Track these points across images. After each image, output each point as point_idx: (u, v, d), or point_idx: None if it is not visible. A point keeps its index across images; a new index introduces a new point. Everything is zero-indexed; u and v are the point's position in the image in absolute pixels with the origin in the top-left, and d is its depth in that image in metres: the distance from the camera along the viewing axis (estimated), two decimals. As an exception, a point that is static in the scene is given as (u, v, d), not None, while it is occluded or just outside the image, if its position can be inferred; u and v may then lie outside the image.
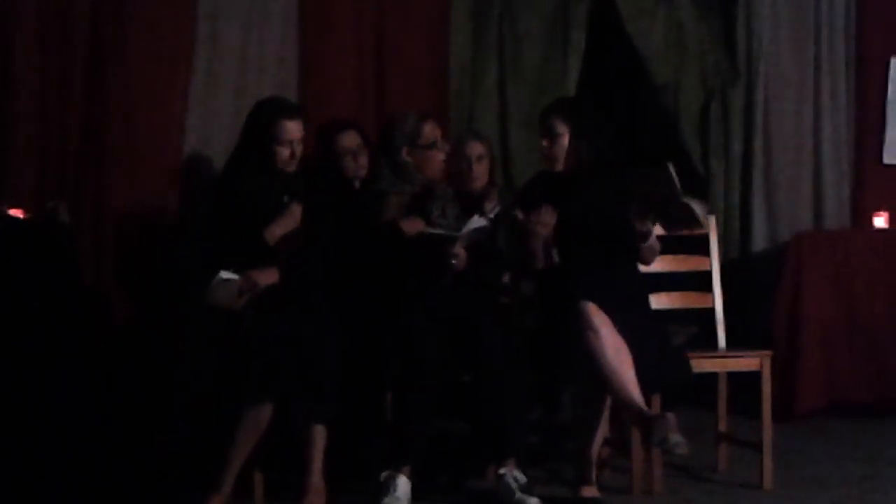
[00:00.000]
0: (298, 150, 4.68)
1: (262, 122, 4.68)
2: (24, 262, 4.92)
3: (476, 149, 5.07)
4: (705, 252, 5.12)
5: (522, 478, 4.52)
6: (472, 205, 4.95)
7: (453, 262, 4.72)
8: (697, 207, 4.59)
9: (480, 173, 5.10)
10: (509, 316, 4.89)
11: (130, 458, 5.01)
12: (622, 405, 4.40)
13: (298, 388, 4.42)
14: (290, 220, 4.65)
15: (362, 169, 5.17)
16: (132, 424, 5.11)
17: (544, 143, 4.72)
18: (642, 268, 4.79)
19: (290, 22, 5.85)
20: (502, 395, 4.53)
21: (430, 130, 5.05)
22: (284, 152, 4.66)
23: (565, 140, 4.68)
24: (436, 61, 6.19)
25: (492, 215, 4.91)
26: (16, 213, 5.10)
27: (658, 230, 4.70)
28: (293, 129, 4.66)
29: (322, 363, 4.44)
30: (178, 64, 5.54)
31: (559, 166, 4.72)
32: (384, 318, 4.75)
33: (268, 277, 4.60)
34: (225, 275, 4.56)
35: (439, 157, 5.05)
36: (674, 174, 4.43)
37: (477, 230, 4.72)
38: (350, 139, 5.19)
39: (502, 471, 4.53)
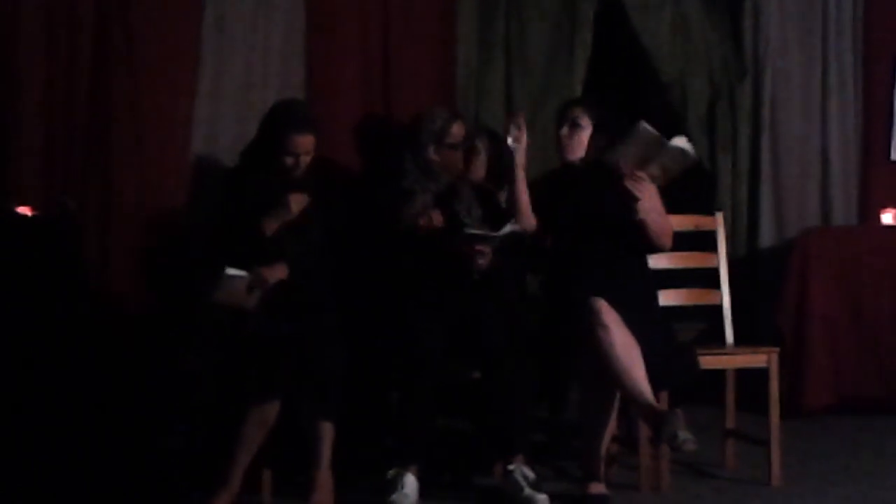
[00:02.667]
0: (304, 160, 4.71)
1: (274, 130, 4.71)
2: (31, 259, 4.93)
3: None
4: (713, 248, 5.12)
5: (531, 474, 4.52)
6: (486, 197, 4.95)
7: (481, 261, 4.72)
8: (682, 144, 4.55)
9: (477, 166, 5.11)
10: (515, 312, 4.88)
11: (137, 453, 5.02)
12: (632, 401, 4.39)
13: (305, 384, 4.43)
14: (282, 210, 4.64)
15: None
16: (139, 420, 5.11)
17: (564, 131, 4.72)
18: (654, 260, 4.79)
19: (296, 19, 5.84)
20: (510, 391, 4.53)
21: (457, 130, 4.98)
22: (289, 161, 4.69)
23: (586, 134, 4.69)
24: (442, 59, 6.18)
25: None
26: (24, 210, 5.11)
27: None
28: (302, 143, 4.69)
29: (328, 359, 4.44)
30: (184, 61, 5.54)
31: (573, 156, 4.70)
32: (390, 315, 4.75)
33: (277, 273, 4.61)
34: (231, 271, 4.56)
35: (461, 156, 4.99)
36: (647, 128, 4.40)
37: (513, 233, 4.70)
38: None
39: (511, 467, 4.53)
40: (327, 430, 4.45)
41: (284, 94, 5.53)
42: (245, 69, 5.69)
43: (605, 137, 4.69)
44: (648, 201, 4.60)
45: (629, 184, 4.54)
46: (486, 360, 4.57)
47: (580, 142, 4.70)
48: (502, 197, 5.00)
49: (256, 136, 4.83)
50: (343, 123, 5.69)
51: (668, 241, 4.73)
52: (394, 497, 4.45)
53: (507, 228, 4.69)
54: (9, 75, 5.32)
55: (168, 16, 5.49)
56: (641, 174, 4.53)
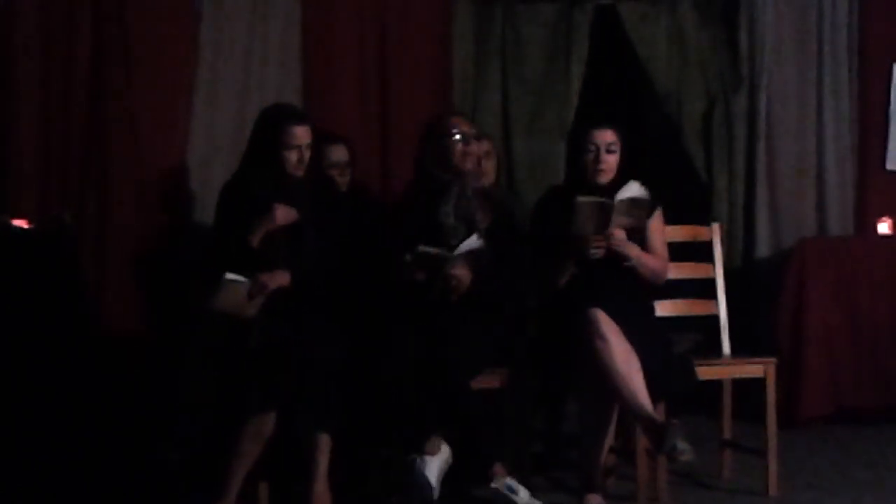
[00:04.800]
0: (307, 154, 4.65)
1: (270, 128, 4.65)
2: (28, 271, 4.93)
3: (484, 146, 5.11)
4: (709, 259, 5.12)
5: (516, 484, 4.50)
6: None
7: (453, 283, 4.68)
8: (634, 191, 4.57)
9: (488, 169, 5.13)
10: (493, 326, 4.83)
11: (133, 466, 5.01)
12: (631, 412, 4.39)
13: (302, 396, 4.41)
14: (267, 220, 4.58)
15: (345, 186, 5.17)
16: (134, 433, 5.11)
17: (603, 156, 4.65)
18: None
19: (292, 24, 5.86)
20: (471, 405, 4.52)
21: (458, 123, 4.88)
22: (293, 157, 4.62)
23: (617, 156, 4.69)
24: (439, 66, 6.19)
25: (483, 226, 4.83)
26: (20, 223, 5.10)
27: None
28: (301, 133, 4.63)
29: (325, 371, 4.42)
30: (180, 68, 5.55)
31: (605, 180, 4.66)
32: (381, 327, 4.74)
33: (278, 280, 4.58)
34: (230, 276, 4.51)
35: (458, 147, 4.85)
36: (585, 201, 4.46)
37: (472, 252, 4.65)
38: (338, 153, 5.20)
39: (494, 484, 4.51)
40: (324, 442, 4.44)
41: (282, 97, 5.53)
42: (242, 73, 5.70)
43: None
44: (634, 251, 4.63)
45: (615, 247, 4.57)
46: (450, 379, 4.54)
47: (615, 164, 4.70)
48: (486, 216, 4.93)
49: (250, 143, 4.74)
50: (340, 127, 5.70)
51: (662, 279, 4.78)
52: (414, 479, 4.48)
53: (464, 248, 4.64)
54: (5, 89, 5.32)
55: (165, 24, 5.50)
56: (613, 233, 4.55)
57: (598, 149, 4.67)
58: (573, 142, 4.79)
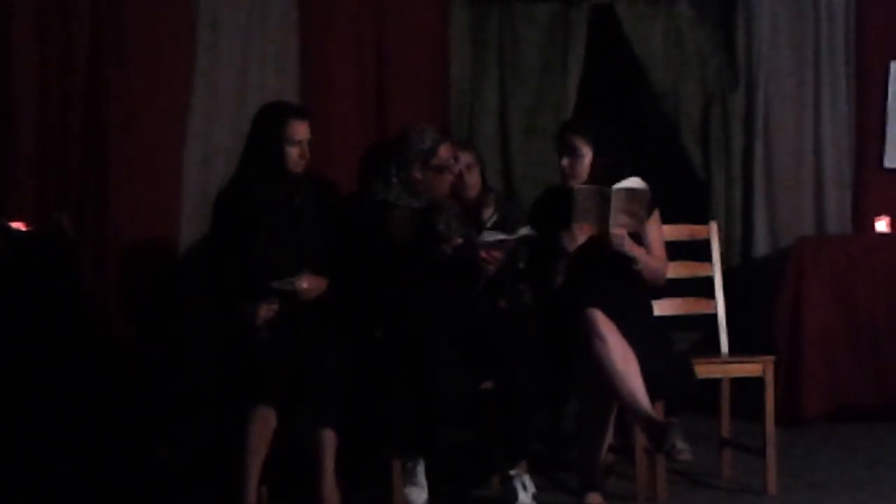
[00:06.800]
0: (307, 150, 4.65)
1: (270, 124, 4.64)
2: (26, 273, 4.93)
3: (464, 158, 5.13)
4: (707, 258, 5.12)
5: (532, 486, 4.52)
6: (470, 214, 4.95)
7: (490, 267, 4.71)
8: (633, 184, 4.57)
9: (473, 181, 5.15)
10: (523, 318, 4.87)
11: (134, 467, 5.02)
12: (630, 412, 4.40)
13: (303, 393, 4.39)
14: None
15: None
16: (134, 435, 5.11)
17: (565, 161, 4.69)
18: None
19: (289, 26, 5.86)
20: (523, 397, 4.53)
21: (444, 152, 4.92)
22: (294, 152, 4.62)
23: (587, 161, 4.68)
24: (436, 69, 6.19)
25: (489, 224, 4.90)
26: (17, 225, 5.10)
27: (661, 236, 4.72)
28: (302, 129, 4.64)
29: (325, 367, 4.40)
30: (178, 71, 5.56)
31: (575, 182, 4.69)
32: (386, 324, 4.74)
33: (318, 285, 4.59)
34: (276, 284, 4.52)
35: (449, 178, 4.97)
36: (583, 188, 4.49)
37: (526, 237, 4.68)
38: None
39: (513, 472, 4.53)
40: (328, 440, 4.43)
41: (279, 98, 5.53)
42: (240, 75, 5.70)
43: (606, 160, 4.69)
44: (639, 252, 4.64)
45: (617, 247, 4.56)
46: (501, 367, 4.55)
47: (583, 169, 4.70)
48: (489, 209, 4.99)
49: (249, 140, 4.71)
50: (337, 128, 5.71)
51: (662, 280, 4.78)
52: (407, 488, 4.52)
53: (522, 232, 4.66)
54: (1, 90, 5.32)
55: (162, 25, 5.51)
56: (617, 231, 4.55)
57: (565, 154, 4.70)
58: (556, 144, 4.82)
